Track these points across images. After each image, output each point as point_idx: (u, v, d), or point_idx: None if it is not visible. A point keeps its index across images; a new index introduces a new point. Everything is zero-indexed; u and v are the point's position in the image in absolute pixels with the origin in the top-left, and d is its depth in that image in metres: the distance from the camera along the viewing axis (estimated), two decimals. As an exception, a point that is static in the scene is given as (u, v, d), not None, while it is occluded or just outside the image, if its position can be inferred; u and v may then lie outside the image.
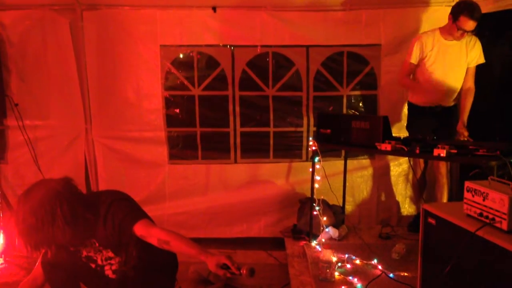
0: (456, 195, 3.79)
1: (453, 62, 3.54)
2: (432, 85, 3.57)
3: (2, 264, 3.55)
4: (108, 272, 2.44)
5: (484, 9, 3.35)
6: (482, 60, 3.53)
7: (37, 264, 2.48)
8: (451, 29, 3.41)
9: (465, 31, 3.34)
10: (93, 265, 2.44)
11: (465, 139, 3.39)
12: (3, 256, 3.63)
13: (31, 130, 3.96)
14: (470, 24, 3.29)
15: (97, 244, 2.36)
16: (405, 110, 4.07)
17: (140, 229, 2.20)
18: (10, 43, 3.89)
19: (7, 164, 4.05)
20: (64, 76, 3.96)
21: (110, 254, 2.40)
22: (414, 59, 3.58)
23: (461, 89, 3.61)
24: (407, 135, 3.76)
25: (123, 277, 2.39)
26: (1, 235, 3.71)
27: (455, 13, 3.35)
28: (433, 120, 3.63)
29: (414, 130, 3.74)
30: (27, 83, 3.96)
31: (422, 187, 3.96)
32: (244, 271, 1.99)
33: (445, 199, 3.73)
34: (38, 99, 4.00)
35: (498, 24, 3.52)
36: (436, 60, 3.54)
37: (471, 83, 3.58)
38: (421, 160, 3.86)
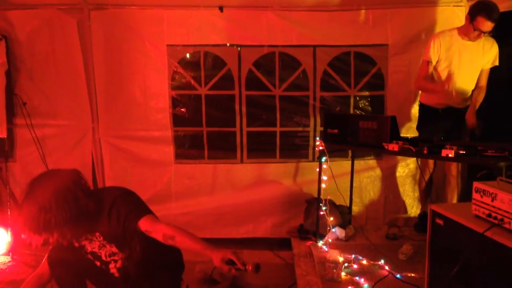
0: (464, 196, 3.75)
1: (470, 63, 3.44)
2: (446, 86, 3.48)
3: (9, 262, 3.57)
4: (113, 270, 2.44)
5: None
6: (496, 62, 3.44)
7: (44, 260, 2.48)
8: (468, 29, 3.30)
9: (481, 32, 3.22)
10: (98, 263, 2.45)
11: (473, 127, 3.35)
12: (10, 254, 3.65)
13: (39, 128, 3.99)
14: (488, 25, 3.18)
15: (101, 238, 2.37)
16: (413, 110, 4.06)
17: (145, 224, 2.20)
18: (18, 42, 3.92)
19: (15, 162, 4.08)
20: (72, 75, 3.99)
21: (114, 249, 2.40)
22: (432, 57, 3.45)
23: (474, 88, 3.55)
24: (415, 135, 3.73)
25: (127, 274, 2.40)
26: (9, 233, 3.73)
27: (473, 13, 3.22)
28: (444, 122, 3.55)
29: (425, 131, 3.66)
30: (35, 82, 4.00)
31: (429, 189, 3.93)
32: (250, 267, 1.98)
33: (455, 201, 3.70)
34: (46, 98, 4.03)
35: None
36: (453, 61, 3.44)
37: (483, 83, 3.51)
38: (431, 162, 3.80)
